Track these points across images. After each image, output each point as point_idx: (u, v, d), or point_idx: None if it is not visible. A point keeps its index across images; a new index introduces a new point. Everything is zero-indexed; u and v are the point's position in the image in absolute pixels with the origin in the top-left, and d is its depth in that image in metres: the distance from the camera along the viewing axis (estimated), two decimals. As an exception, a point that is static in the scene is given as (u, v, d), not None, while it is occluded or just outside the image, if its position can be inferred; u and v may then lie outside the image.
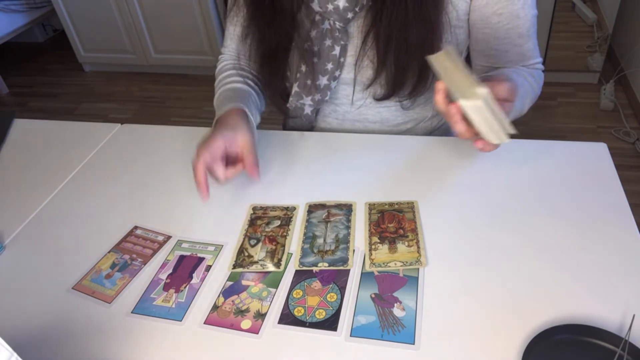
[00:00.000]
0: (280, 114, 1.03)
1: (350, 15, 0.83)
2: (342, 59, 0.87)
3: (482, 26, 0.84)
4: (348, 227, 0.74)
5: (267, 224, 0.76)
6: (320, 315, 0.62)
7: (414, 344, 0.58)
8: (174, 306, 0.66)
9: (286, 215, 0.78)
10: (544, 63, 0.91)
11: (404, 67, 0.84)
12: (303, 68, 0.89)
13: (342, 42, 0.85)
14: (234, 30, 0.98)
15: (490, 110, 0.63)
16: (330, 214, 0.77)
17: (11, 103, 2.96)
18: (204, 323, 0.63)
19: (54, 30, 3.61)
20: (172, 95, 2.83)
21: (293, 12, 0.85)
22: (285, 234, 0.74)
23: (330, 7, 0.82)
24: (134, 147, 0.98)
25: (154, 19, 2.76)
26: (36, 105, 2.90)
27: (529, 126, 2.19)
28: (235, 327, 0.62)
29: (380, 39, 0.82)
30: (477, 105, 0.62)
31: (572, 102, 2.38)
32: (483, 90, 0.61)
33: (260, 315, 0.63)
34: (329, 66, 0.87)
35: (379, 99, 0.90)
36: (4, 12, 2.92)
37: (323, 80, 0.89)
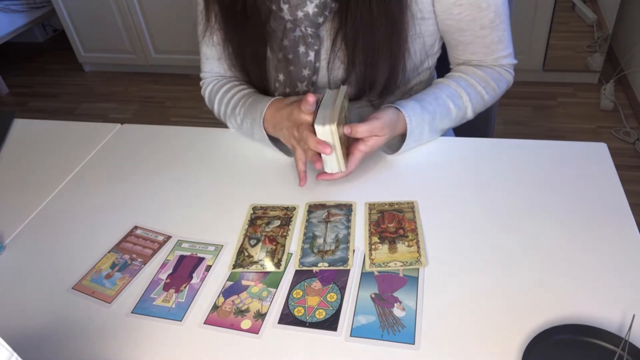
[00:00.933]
0: None
1: (320, 20, 0.83)
2: (317, 64, 0.88)
3: (445, 17, 0.84)
4: (348, 227, 0.74)
5: (267, 224, 0.76)
6: (320, 315, 0.62)
7: (414, 344, 0.58)
8: (174, 306, 0.66)
9: (286, 215, 0.78)
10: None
11: (372, 65, 0.84)
12: (281, 77, 0.90)
13: (315, 47, 0.86)
14: (212, 52, 0.97)
15: (332, 142, 0.75)
16: (330, 214, 0.77)
17: (11, 103, 2.96)
18: (204, 323, 0.63)
19: (54, 30, 3.60)
20: (172, 95, 2.83)
21: (262, 21, 0.86)
22: (285, 234, 0.74)
23: (300, 14, 0.82)
24: (134, 147, 0.98)
25: (154, 19, 2.76)
26: (36, 105, 2.90)
27: (529, 126, 2.18)
28: (235, 327, 0.62)
29: (349, 39, 0.83)
30: (320, 132, 0.75)
31: (572, 102, 2.37)
32: (327, 126, 0.74)
33: (260, 315, 0.63)
34: (306, 72, 0.88)
35: (351, 99, 0.91)
36: (4, 12, 2.92)
37: (302, 87, 0.90)
